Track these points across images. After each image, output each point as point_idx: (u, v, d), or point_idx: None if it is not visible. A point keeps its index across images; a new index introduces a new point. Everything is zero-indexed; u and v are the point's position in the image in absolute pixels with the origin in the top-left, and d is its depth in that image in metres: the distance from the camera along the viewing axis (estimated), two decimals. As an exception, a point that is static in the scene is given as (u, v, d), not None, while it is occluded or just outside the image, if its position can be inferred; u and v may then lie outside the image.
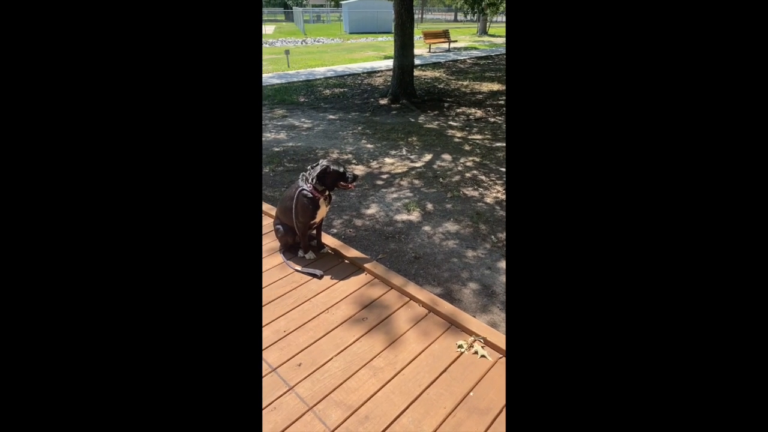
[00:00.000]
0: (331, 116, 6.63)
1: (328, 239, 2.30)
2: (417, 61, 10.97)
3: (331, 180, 2.01)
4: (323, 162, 2.01)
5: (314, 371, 1.47)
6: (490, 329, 1.63)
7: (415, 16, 8.14)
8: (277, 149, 5.03)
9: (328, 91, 8.54)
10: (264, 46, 16.71)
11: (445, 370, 1.48)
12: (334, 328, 1.67)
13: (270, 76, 10.13)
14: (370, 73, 10.63)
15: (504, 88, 8.86)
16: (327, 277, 2.01)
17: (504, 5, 13.49)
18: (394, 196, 3.76)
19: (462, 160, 4.66)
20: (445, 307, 1.75)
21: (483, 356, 1.53)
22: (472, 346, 1.57)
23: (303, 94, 8.23)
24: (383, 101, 7.58)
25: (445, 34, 15.69)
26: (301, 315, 1.75)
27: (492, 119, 6.46)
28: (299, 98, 7.83)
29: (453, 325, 1.68)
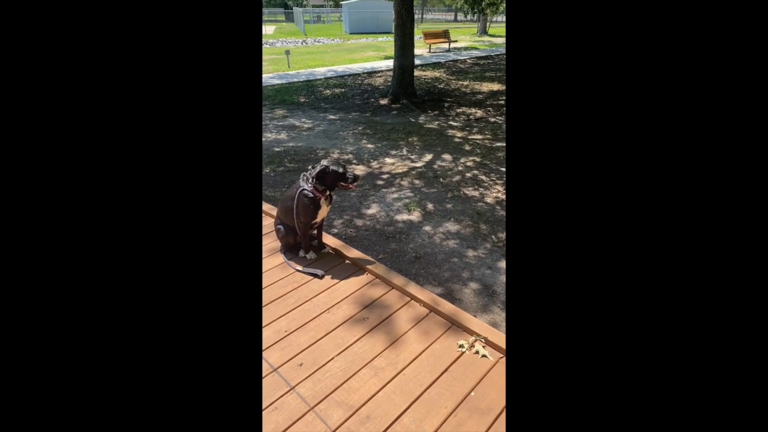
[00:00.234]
0: (332, 116, 6.63)
1: (328, 239, 2.30)
2: (417, 61, 10.97)
3: (331, 180, 2.01)
4: (324, 162, 2.01)
5: (315, 371, 1.47)
6: (491, 329, 1.63)
7: (415, 16, 8.14)
8: (277, 149, 5.03)
9: (328, 91, 8.54)
10: (264, 46, 16.72)
11: (446, 370, 1.48)
12: (335, 328, 1.68)
13: (270, 76, 10.14)
14: (371, 74, 10.64)
15: (504, 88, 8.86)
16: (328, 277, 2.01)
17: (504, 5, 13.49)
18: (395, 196, 3.76)
19: (462, 160, 4.66)
20: (446, 306, 1.75)
21: (484, 356, 1.53)
22: (473, 346, 1.57)
23: (303, 94, 8.23)
24: (383, 101, 7.58)
25: (445, 34, 15.69)
26: (302, 315, 1.75)
27: (492, 119, 6.46)
28: (300, 98, 7.84)
29: (454, 325, 1.68)
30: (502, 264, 2.72)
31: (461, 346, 1.57)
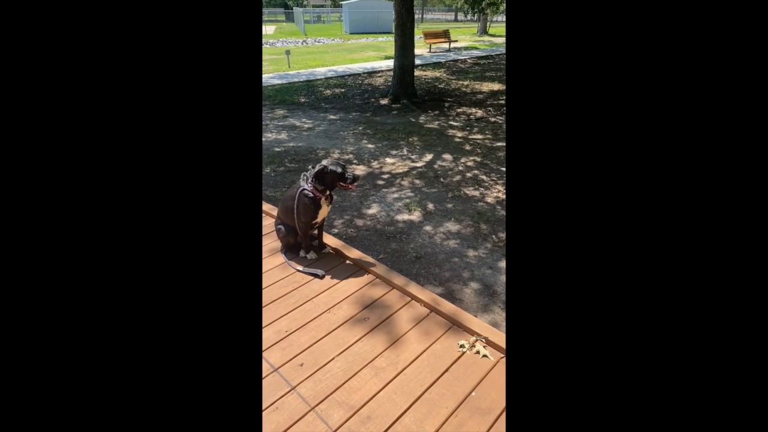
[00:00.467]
0: (332, 116, 6.63)
1: (329, 239, 2.30)
2: (417, 61, 10.97)
3: (330, 180, 2.01)
4: (323, 162, 2.01)
5: (316, 371, 1.47)
6: (492, 329, 1.62)
7: (416, 16, 8.14)
8: (278, 149, 5.03)
9: (328, 91, 8.54)
10: (264, 46, 16.73)
11: (446, 370, 1.47)
12: (335, 328, 1.68)
13: (271, 76, 10.14)
14: (371, 73, 10.64)
15: (504, 87, 8.86)
16: (328, 277, 2.01)
17: (504, 5, 13.48)
18: (395, 196, 3.76)
19: (463, 160, 4.66)
20: (447, 306, 1.75)
21: (485, 356, 1.53)
22: (474, 346, 1.57)
23: (304, 94, 8.23)
24: (384, 101, 7.58)
25: (445, 34, 15.69)
26: (303, 315, 1.75)
27: (492, 119, 6.46)
28: (300, 98, 7.84)
29: (454, 325, 1.68)
30: (503, 264, 2.72)
31: (462, 346, 1.57)
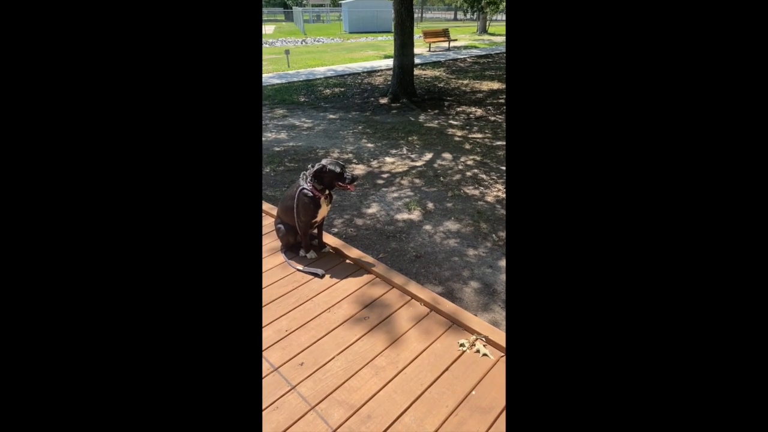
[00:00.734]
0: (332, 116, 6.63)
1: (329, 238, 2.30)
2: (417, 60, 10.96)
3: (328, 179, 2.01)
4: (322, 161, 2.01)
5: (316, 370, 1.47)
6: (492, 328, 1.63)
7: (415, 15, 8.13)
8: (277, 149, 5.03)
9: (328, 90, 8.54)
10: (264, 46, 16.71)
11: (446, 369, 1.48)
12: (335, 328, 1.68)
13: (270, 76, 10.13)
14: (370, 73, 10.63)
15: (504, 86, 8.85)
16: (328, 277, 2.01)
17: (504, 4, 13.47)
18: (395, 195, 3.76)
19: (462, 159, 4.66)
20: (447, 305, 1.75)
21: (485, 355, 1.53)
22: (474, 345, 1.57)
23: (303, 93, 8.23)
24: (383, 100, 7.58)
25: (445, 33, 15.67)
26: (303, 314, 1.75)
27: (492, 118, 6.46)
28: (299, 98, 7.83)
29: (454, 324, 1.68)
30: (503, 263, 2.72)
31: (462, 345, 1.57)
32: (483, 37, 21.35)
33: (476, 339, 1.59)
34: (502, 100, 7.58)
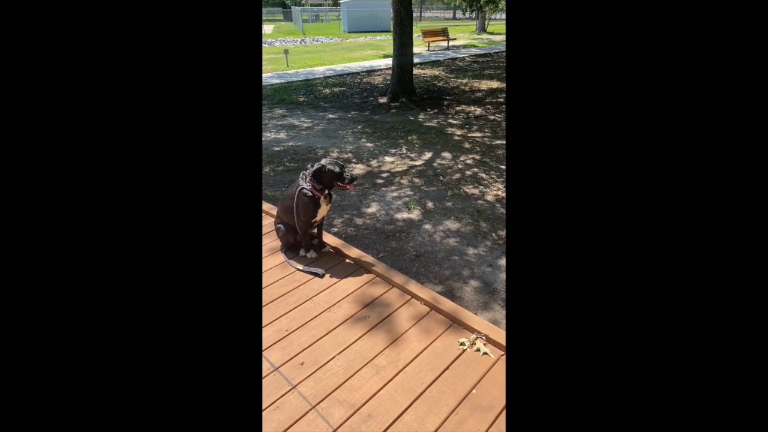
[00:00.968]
0: (331, 115, 6.62)
1: (329, 238, 2.30)
2: (416, 60, 10.96)
3: (327, 179, 2.01)
4: (321, 161, 2.01)
5: (316, 370, 1.47)
6: (492, 326, 1.63)
7: (414, 15, 8.12)
8: (277, 149, 5.03)
9: (327, 90, 8.53)
10: (263, 45, 16.70)
11: (447, 368, 1.48)
12: (335, 327, 1.68)
13: (269, 75, 10.13)
14: (370, 72, 10.62)
15: (503, 85, 8.85)
16: (328, 276, 2.01)
17: (503, 2, 13.46)
18: (395, 194, 3.76)
19: (462, 158, 4.66)
20: (447, 304, 1.75)
21: (485, 353, 1.53)
22: (474, 344, 1.57)
23: (302, 93, 8.22)
24: (383, 100, 7.58)
25: (444, 32, 15.66)
26: (303, 314, 1.75)
27: (491, 117, 6.46)
28: (299, 98, 7.83)
29: (455, 323, 1.68)
30: (503, 261, 2.72)
31: (462, 343, 1.57)
32: (482, 36, 21.34)
33: (476, 338, 1.59)
34: (501, 99, 7.57)
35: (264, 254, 2.19)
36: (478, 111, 6.82)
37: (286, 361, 1.51)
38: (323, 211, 2.10)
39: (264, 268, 2.07)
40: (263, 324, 1.69)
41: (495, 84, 9.03)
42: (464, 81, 9.40)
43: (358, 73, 10.47)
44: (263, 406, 1.33)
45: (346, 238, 2.96)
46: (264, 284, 1.94)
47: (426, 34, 15.44)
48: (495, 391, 1.38)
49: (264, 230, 2.41)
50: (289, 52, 12.24)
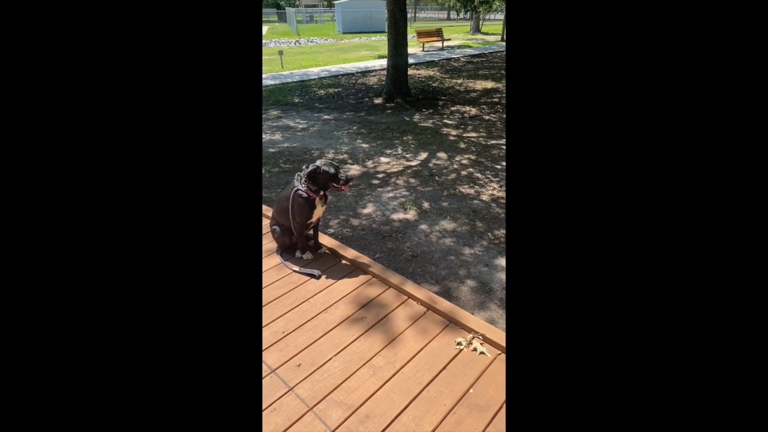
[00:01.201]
0: (326, 116, 6.61)
1: (325, 239, 2.30)
2: (411, 60, 10.97)
3: (322, 180, 2.01)
4: (316, 162, 2.01)
5: (314, 371, 1.47)
6: (489, 326, 1.63)
7: (408, 15, 8.13)
8: (272, 150, 5.01)
9: (322, 91, 8.52)
10: (257, 47, 16.61)
11: (444, 368, 1.48)
12: (332, 328, 1.67)
13: (264, 77, 10.10)
14: (364, 73, 10.62)
15: (498, 85, 8.89)
16: (325, 277, 2.01)
17: (497, 3, 13.51)
18: (391, 195, 3.76)
19: (457, 158, 4.67)
20: (444, 304, 1.76)
21: (482, 353, 1.53)
22: (471, 343, 1.57)
23: (297, 94, 8.20)
24: (378, 100, 7.58)
25: (438, 33, 15.69)
26: (300, 316, 1.75)
27: (486, 117, 6.48)
28: (294, 99, 7.81)
29: (451, 323, 1.69)
30: (499, 261, 2.73)
31: (459, 343, 1.58)
32: (476, 36, 21.41)
33: (473, 337, 1.60)
34: (496, 99, 7.60)
35: (260, 256, 2.18)
36: (473, 111, 6.84)
37: (283, 363, 1.50)
38: (319, 212, 2.10)
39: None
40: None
41: (490, 84, 9.06)
42: (459, 81, 9.42)
43: (353, 74, 10.46)
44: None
45: (342, 239, 2.95)
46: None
47: (420, 34, 15.46)
48: (492, 391, 1.39)
49: (260, 232, 2.40)
50: (283, 53, 12.22)
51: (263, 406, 1.34)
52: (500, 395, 1.37)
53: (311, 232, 2.24)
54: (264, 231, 2.41)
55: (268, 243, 2.29)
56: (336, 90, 8.61)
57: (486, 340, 1.58)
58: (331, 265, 2.10)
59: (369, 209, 3.48)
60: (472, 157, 4.69)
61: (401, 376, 1.45)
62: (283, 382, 1.42)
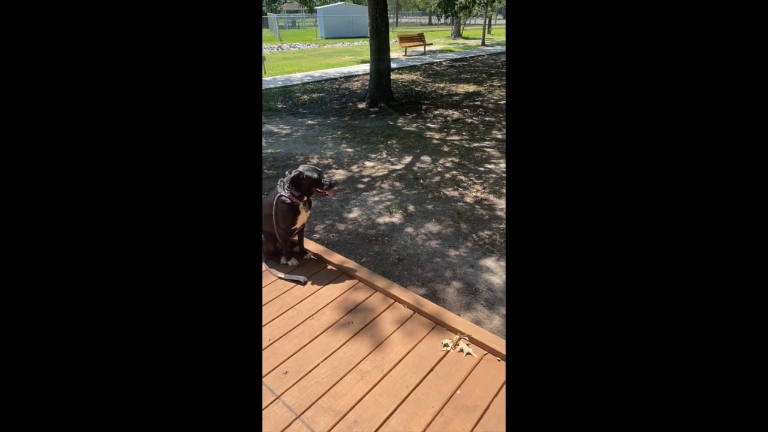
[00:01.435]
0: (310, 121, 6.60)
1: (310, 245, 2.29)
2: (393, 65, 11.04)
3: (306, 186, 2.00)
4: (299, 168, 2.01)
5: (301, 378, 1.46)
6: (475, 326, 1.65)
7: (390, 21, 8.18)
8: (255, 156, 4.96)
9: (305, 96, 8.50)
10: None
11: (431, 370, 1.48)
12: (319, 334, 1.66)
13: (246, 83, 9.99)
14: (348, 78, 10.64)
15: (480, 89, 9.01)
16: (310, 283, 1.99)
17: (477, 8, 13.73)
18: (376, 199, 3.77)
19: (441, 161, 4.71)
20: (430, 307, 1.77)
21: (468, 354, 1.54)
22: (458, 345, 1.58)
23: (280, 100, 8.16)
24: (361, 105, 7.59)
25: (420, 38, 15.85)
26: (286, 322, 1.73)
27: (469, 120, 6.56)
28: (277, 104, 7.77)
29: (438, 325, 1.69)
30: (484, 262, 2.76)
31: (446, 345, 1.59)
32: (457, 41, 21.70)
33: (459, 338, 1.61)
34: (479, 102, 7.71)
35: (244, 263, 2.15)
36: (456, 114, 6.92)
37: (270, 371, 1.49)
38: (303, 218, 2.09)
39: (244, 277, 2.04)
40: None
41: (472, 88, 9.18)
42: (441, 85, 9.52)
43: (336, 79, 10.47)
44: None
45: (328, 244, 2.94)
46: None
47: (403, 39, 15.60)
48: (479, 391, 1.40)
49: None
50: (266, 59, 12.15)
51: (249, 416, 1.32)
52: (487, 395, 1.38)
53: (296, 238, 2.23)
54: (248, 238, 2.38)
55: (253, 250, 2.26)
56: (319, 95, 8.60)
57: (472, 340, 1.59)
58: (316, 271, 2.09)
59: (355, 213, 3.48)
60: (456, 160, 4.74)
61: (389, 380, 1.45)
62: (270, 391, 1.41)
